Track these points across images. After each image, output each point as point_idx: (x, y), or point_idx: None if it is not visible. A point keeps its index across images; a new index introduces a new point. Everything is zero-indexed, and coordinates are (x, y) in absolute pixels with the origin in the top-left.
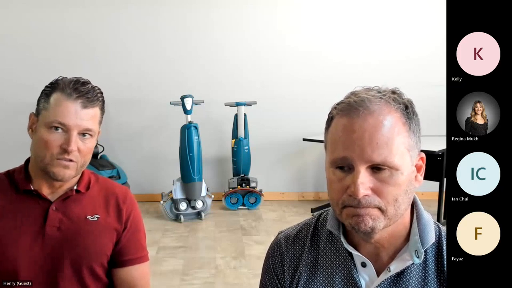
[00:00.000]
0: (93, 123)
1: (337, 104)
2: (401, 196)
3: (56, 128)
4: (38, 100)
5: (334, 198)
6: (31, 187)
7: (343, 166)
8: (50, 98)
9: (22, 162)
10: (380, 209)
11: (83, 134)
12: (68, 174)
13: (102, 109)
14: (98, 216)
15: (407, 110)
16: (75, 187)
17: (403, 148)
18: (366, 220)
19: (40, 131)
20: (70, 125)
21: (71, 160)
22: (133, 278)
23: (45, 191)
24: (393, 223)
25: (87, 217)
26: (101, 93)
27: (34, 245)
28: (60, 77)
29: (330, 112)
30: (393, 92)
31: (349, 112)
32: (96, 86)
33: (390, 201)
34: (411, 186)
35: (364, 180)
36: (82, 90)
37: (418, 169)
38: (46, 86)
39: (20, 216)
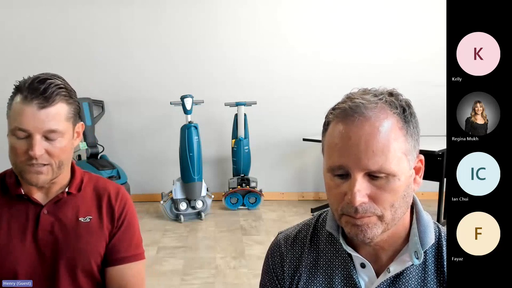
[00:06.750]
0: (57, 122)
1: (333, 109)
2: (398, 201)
3: (20, 134)
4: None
5: (333, 204)
6: (22, 191)
7: (342, 174)
8: (12, 103)
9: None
10: (377, 215)
11: (49, 135)
12: (43, 179)
13: (70, 103)
14: (91, 217)
15: (405, 113)
16: (67, 189)
17: (400, 154)
18: (365, 231)
19: (9, 138)
20: (29, 130)
21: (43, 165)
22: (124, 277)
23: (36, 194)
24: (391, 227)
25: (80, 218)
26: (62, 87)
27: (29, 248)
28: (23, 78)
29: (326, 116)
30: (390, 94)
31: (345, 118)
32: (57, 80)
33: (386, 207)
34: (409, 190)
35: (360, 188)
36: (38, 89)
37: (417, 171)
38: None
39: (13, 221)
